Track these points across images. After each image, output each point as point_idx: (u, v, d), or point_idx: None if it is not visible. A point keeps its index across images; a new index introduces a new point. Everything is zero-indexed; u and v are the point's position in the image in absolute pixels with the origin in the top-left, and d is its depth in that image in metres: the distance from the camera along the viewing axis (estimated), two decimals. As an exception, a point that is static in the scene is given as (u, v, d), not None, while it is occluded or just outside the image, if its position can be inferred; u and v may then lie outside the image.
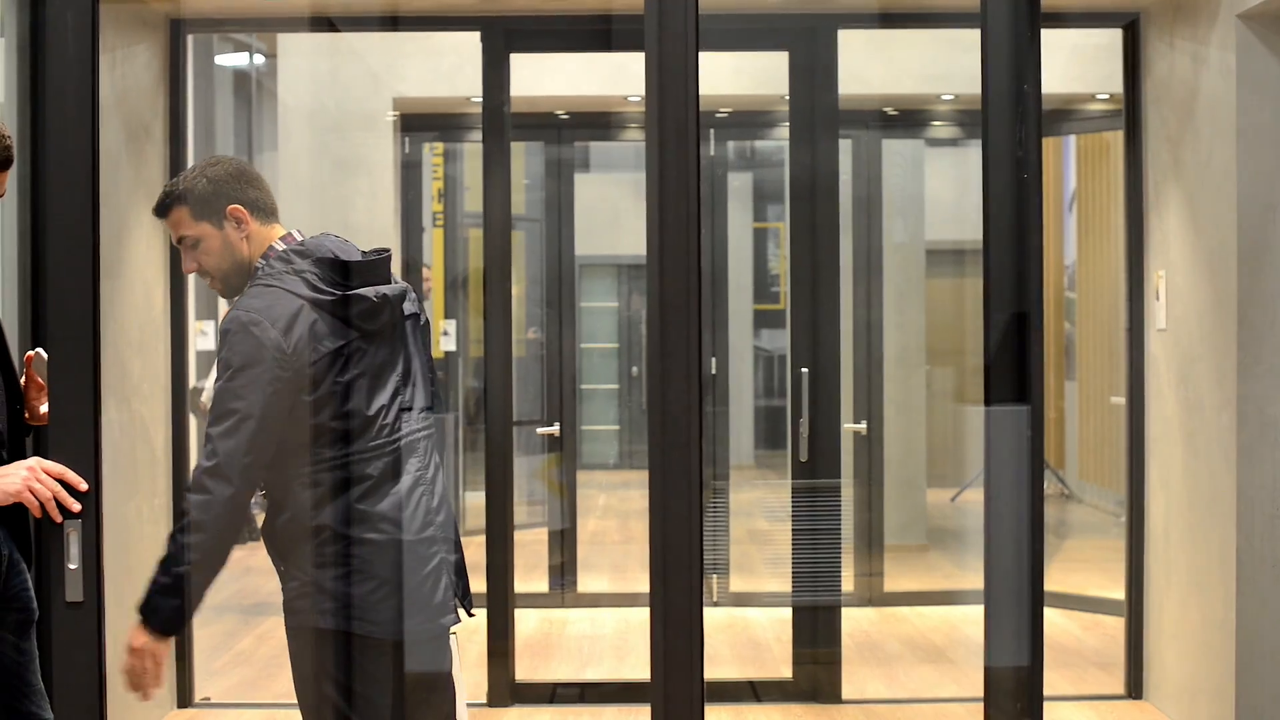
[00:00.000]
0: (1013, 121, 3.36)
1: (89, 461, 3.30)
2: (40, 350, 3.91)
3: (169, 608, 3.64)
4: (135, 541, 5.82)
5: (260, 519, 3.90)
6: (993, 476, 3.39)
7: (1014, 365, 3.38)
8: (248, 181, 3.90)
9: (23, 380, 3.92)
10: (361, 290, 3.80)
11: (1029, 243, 3.38)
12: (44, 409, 3.89)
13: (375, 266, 3.89)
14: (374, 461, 3.79)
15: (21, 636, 3.90)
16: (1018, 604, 3.43)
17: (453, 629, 4.01)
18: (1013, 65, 3.37)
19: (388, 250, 3.95)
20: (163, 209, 3.87)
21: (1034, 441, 3.38)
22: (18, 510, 3.84)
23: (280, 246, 3.88)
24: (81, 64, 3.30)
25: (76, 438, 3.31)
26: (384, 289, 3.84)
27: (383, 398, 3.82)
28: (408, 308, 3.98)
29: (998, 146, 3.38)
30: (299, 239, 3.90)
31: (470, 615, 4.04)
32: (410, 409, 3.90)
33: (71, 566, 3.33)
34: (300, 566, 3.78)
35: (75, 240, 3.31)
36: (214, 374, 3.81)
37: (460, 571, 4.00)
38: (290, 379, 3.69)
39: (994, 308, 3.38)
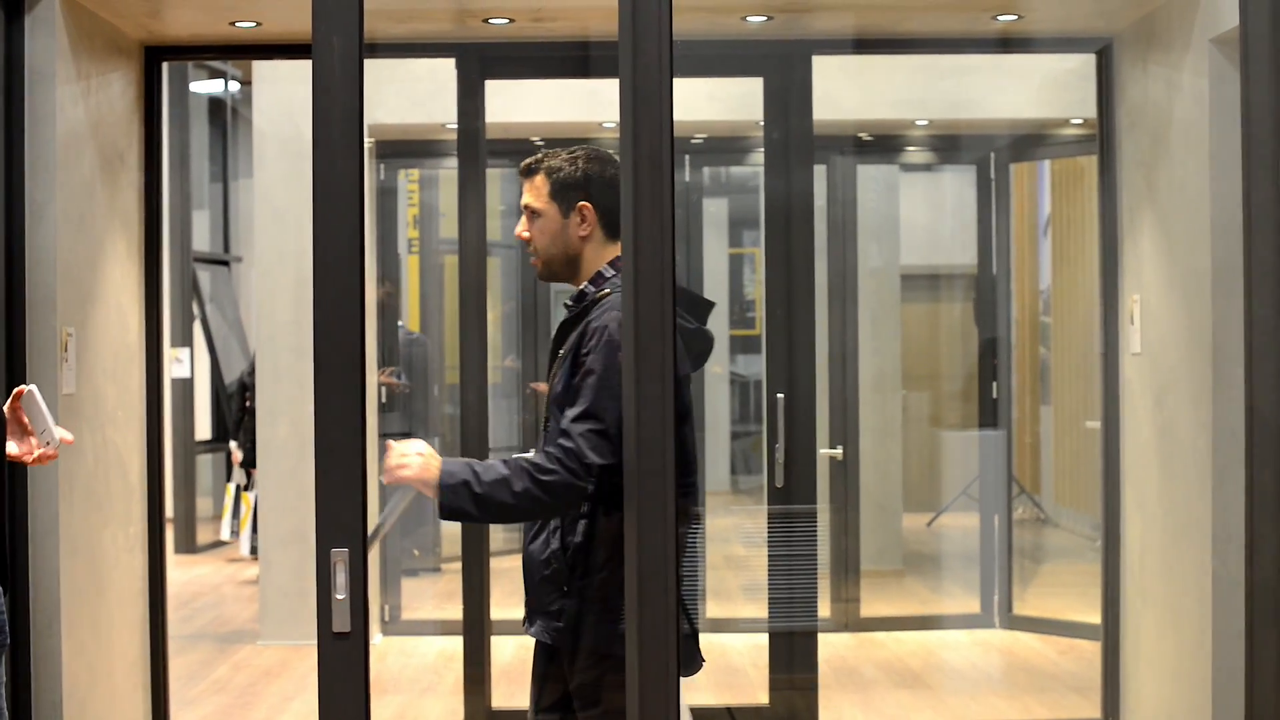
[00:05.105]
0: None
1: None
2: (33, 387, 3.89)
3: (464, 501, 3.73)
4: (110, 570, 5.79)
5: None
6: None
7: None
8: (609, 188, 3.88)
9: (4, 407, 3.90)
10: (707, 329, 3.82)
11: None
12: (19, 449, 3.87)
13: (707, 308, 3.89)
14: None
15: (-7, 663, 3.89)
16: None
17: None
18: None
19: None
20: (531, 170, 3.96)
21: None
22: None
23: None
24: None
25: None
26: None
27: None
28: None
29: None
30: None
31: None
32: None
33: None
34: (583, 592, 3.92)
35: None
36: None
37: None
38: None
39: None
